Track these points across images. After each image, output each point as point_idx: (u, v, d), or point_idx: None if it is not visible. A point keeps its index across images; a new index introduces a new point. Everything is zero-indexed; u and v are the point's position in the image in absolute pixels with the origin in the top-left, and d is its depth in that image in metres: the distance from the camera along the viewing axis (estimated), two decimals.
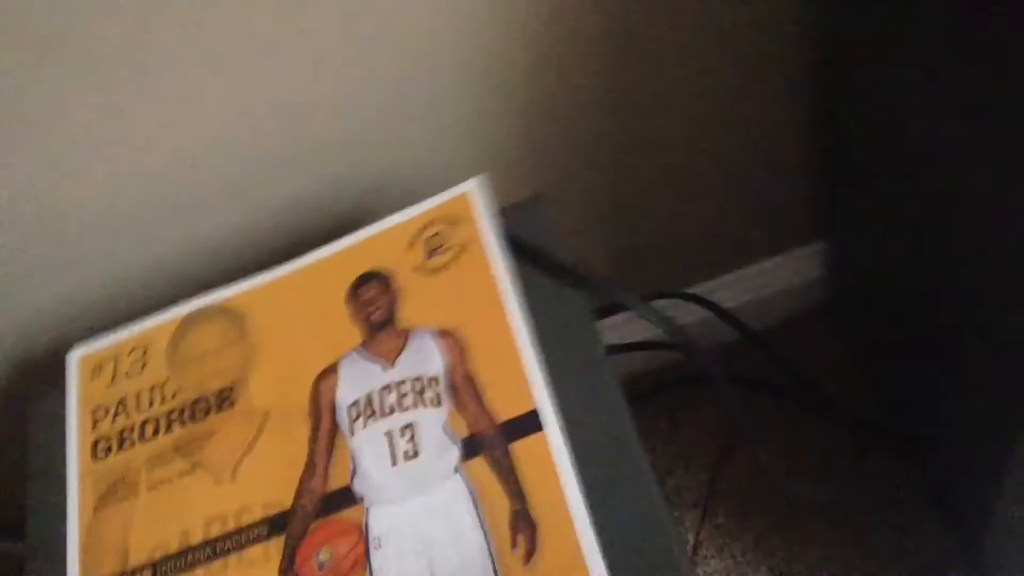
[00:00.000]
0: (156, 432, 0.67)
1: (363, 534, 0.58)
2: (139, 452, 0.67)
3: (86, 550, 0.63)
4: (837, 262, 1.09)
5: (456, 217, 0.70)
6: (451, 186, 0.71)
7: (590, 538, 0.54)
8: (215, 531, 0.62)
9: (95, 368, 0.72)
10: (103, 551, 0.63)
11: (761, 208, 1.06)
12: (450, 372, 0.63)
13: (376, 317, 0.67)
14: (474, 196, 0.70)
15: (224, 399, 0.67)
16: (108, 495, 0.65)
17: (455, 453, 0.60)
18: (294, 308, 0.70)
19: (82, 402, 0.71)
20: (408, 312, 0.67)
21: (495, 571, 0.55)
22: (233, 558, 0.60)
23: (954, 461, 0.96)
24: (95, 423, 0.69)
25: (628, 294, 0.65)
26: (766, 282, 1.14)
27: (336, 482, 0.61)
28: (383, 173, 0.87)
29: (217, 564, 0.60)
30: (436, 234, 0.69)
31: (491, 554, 0.55)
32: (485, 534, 0.56)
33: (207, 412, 0.67)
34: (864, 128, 0.87)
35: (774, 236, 1.10)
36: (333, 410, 0.64)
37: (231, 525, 0.61)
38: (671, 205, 1.02)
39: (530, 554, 0.55)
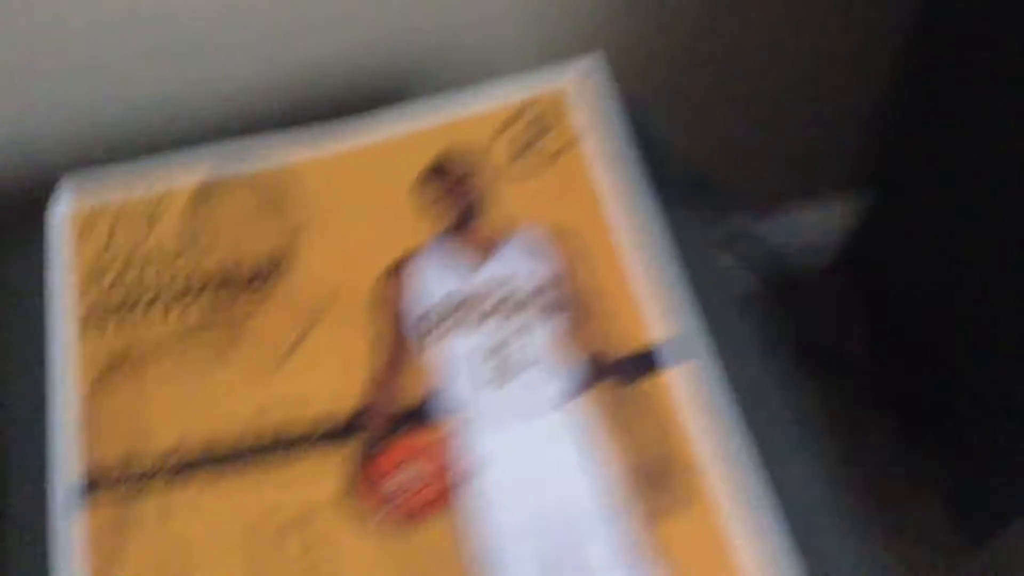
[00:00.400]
0: (168, 310, 0.55)
1: (450, 459, 0.49)
2: (149, 331, 0.55)
3: (81, 432, 0.51)
4: (873, 216, 1.04)
5: (563, 103, 0.60)
6: (548, 63, 0.60)
7: (728, 498, 0.47)
8: (251, 437, 0.51)
9: (86, 223, 0.58)
10: (102, 438, 0.51)
11: (815, 148, 1.00)
12: (558, 286, 0.54)
13: (458, 211, 0.57)
14: (586, 80, 0.60)
15: (260, 283, 0.56)
16: (108, 374, 0.53)
17: (563, 382, 0.51)
18: (351, 189, 0.59)
19: (70, 263, 0.57)
20: (500, 209, 0.57)
21: (610, 525, 0.47)
22: (276, 470, 0.50)
23: (979, 443, 0.94)
24: (88, 290, 0.57)
25: (752, 215, 0.57)
26: (794, 230, 1.10)
27: (411, 396, 0.51)
28: (452, 41, 0.75)
29: (254, 474, 0.50)
30: (538, 120, 0.59)
31: (605, 505, 0.47)
32: (598, 482, 0.48)
33: (237, 296, 0.55)
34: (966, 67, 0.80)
35: (817, 179, 1.05)
36: (405, 313, 0.54)
37: (272, 432, 0.51)
38: (736, 131, 0.94)
39: (655, 513, 0.47)
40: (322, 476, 0.50)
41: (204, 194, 0.59)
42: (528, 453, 0.49)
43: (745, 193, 1.01)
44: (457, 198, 0.57)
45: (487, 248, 0.56)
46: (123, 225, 0.59)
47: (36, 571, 0.48)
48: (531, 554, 0.47)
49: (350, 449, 0.50)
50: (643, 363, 0.51)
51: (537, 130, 0.59)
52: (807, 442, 0.49)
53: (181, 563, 0.48)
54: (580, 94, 0.60)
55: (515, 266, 0.55)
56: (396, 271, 0.55)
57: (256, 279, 0.56)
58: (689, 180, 0.56)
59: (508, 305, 0.54)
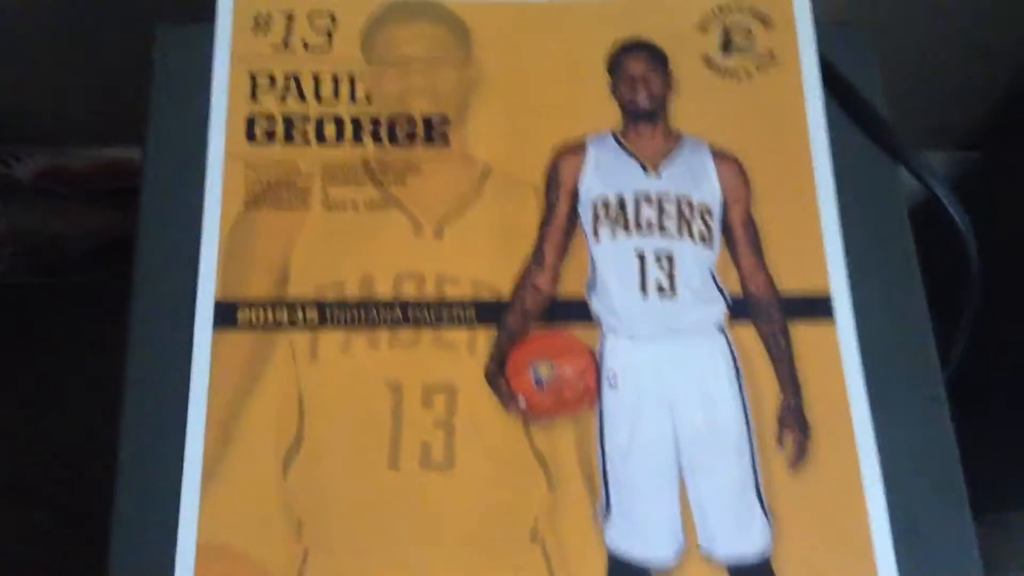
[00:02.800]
0: (340, 137, 0.53)
1: (596, 361, 0.50)
2: (314, 154, 0.53)
3: (228, 256, 0.51)
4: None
5: (770, 12, 0.56)
6: None
7: (872, 458, 0.48)
8: (408, 291, 0.50)
9: (260, 19, 0.55)
10: (252, 263, 0.50)
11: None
12: (728, 207, 0.53)
13: (643, 102, 0.54)
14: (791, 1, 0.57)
15: (435, 130, 0.54)
16: (267, 194, 0.52)
17: (720, 308, 0.51)
18: (538, 48, 0.55)
19: (237, 56, 0.55)
20: (685, 111, 0.54)
21: (754, 464, 0.49)
22: (427, 331, 0.50)
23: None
24: (255, 90, 0.54)
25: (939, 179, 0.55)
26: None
27: (567, 287, 0.51)
28: None
29: (406, 331, 0.50)
30: (741, 24, 0.56)
31: (750, 440, 0.49)
32: (746, 415, 0.49)
33: (412, 138, 0.53)
34: None
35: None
36: (574, 198, 0.53)
37: (429, 291, 0.50)
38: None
39: (797, 459, 0.48)
40: (467, 350, 0.50)
41: (386, 15, 0.56)
42: (675, 371, 0.50)
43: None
44: (649, 85, 0.55)
45: (669, 148, 0.54)
46: (300, 28, 0.55)
47: (175, 385, 0.48)
48: (656, 469, 0.49)
49: (500, 329, 0.50)
50: (805, 307, 0.51)
51: (742, 33, 0.56)
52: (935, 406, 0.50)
53: (320, 403, 0.48)
54: (789, 6, 0.57)
55: (695, 175, 0.53)
56: (574, 150, 0.54)
57: (434, 124, 0.54)
58: (886, 130, 0.55)
59: (681, 216, 0.53)
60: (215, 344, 0.49)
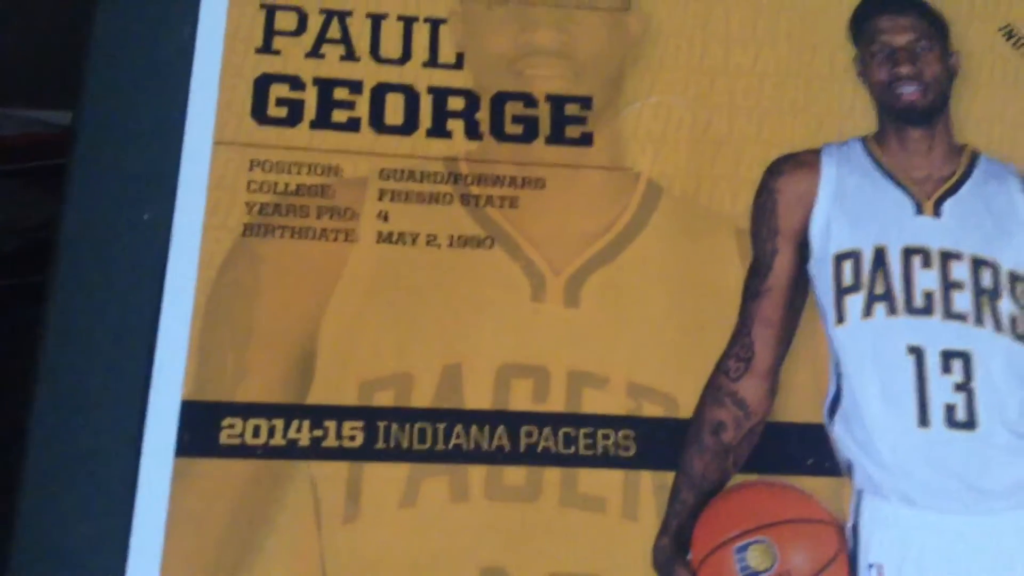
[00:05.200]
0: (412, 122, 0.32)
1: (847, 542, 0.29)
2: (367, 148, 0.31)
3: (209, 321, 0.28)
4: None
5: None
6: None
7: None
8: (520, 397, 0.29)
9: None
10: (249, 336, 0.29)
11: None
12: None
13: (911, 90, 0.33)
14: None
15: (570, 121, 0.32)
16: (283, 212, 0.30)
17: None
18: (724, 14, 0.34)
19: None
20: (978, 113, 0.33)
21: None
22: (553, 475, 0.28)
23: None
24: (270, 35, 0.32)
25: None
26: None
27: (791, 403, 0.30)
28: None
29: (517, 473, 0.28)
30: None
31: None
32: None
33: (532, 132, 0.32)
34: None
35: None
36: (802, 247, 0.31)
37: (555, 399, 0.29)
38: None
39: None
40: (625, 513, 0.28)
41: None
42: (978, 562, 0.29)
43: None
44: (919, 63, 0.33)
45: (953, 171, 0.33)
46: None
47: (103, 558, 0.27)
48: None
49: (679, 476, 0.29)
50: None
51: None
52: None
53: None
54: None
55: (998, 220, 0.32)
56: (799, 167, 0.32)
57: (558, 114, 0.32)
58: None
59: (980, 288, 0.32)
60: (177, 482, 0.27)
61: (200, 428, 0.28)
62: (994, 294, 0.31)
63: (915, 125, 0.33)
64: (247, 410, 0.28)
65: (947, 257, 0.31)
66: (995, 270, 0.31)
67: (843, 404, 0.30)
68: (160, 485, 0.27)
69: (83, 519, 0.27)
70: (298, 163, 0.31)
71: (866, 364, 0.30)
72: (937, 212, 0.32)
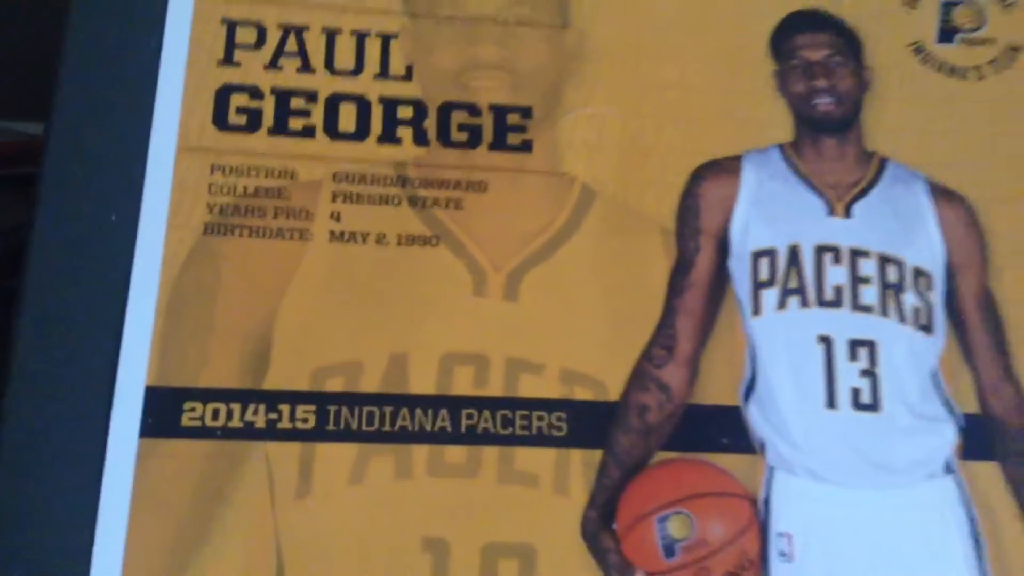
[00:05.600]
0: (363, 129, 0.34)
1: (758, 514, 0.31)
2: (321, 153, 0.34)
3: (172, 313, 0.31)
4: None
5: None
6: None
7: None
8: (462, 383, 0.31)
9: None
10: (210, 327, 0.31)
11: None
12: (956, 275, 0.34)
13: (826, 102, 0.36)
14: None
15: (511, 129, 0.35)
16: (241, 212, 0.33)
17: (949, 434, 0.33)
18: (663, 13, 0.37)
19: None
20: (887, 123, 0.36)
21: None
22: (491, 453, 0.30)
23: None
24: (231, 47, 0.34)
25: None
26: None
27: (710, 389, 0.32)
28: None
29: (457, 452, 0.30)
30: (969, 1, 0.38)
31: None
32: None
33: (475, 139, 0.34)
34: None
35: None
36: (722, 246, 0.34)
37: (494, 385, 0.32)
38: None
39: None
40: (556, 488, 0.30)
41: None
42: (884, 537, 0.32)
43: None
44: (834, 77, 0.36)
45: (864, 177, 0.35)
46: None
47: (69, 535, 0.29)
48: None
49: (606, 454, 0.32)
50: None
51: (970, 16, 0.38)
52: None
53: (312, 570, 0.29)
54: None
55: (904, 222, 0.35)
56: (722, 172, 0.35)
57: (500, 123, 0.35)
58: None
59: (886, 283, 0.34)
60: (142, 463, 0.29)
61: (163, 412, 0.30)
62: (899, 288, 0.34)
63: (829, 134, 0.36)
64: (207, 395, 0.30)
65: (856, 254, 0.34)
66: (900, 266, 0.34)
67: (757, 388, 0.33)
68: (126, 465, 0.29)
69: (53, 496, 0.29)
70: (256, 167, 0.33)
71: (779, 352, 0.33)
72: (848, 213, 0.35)
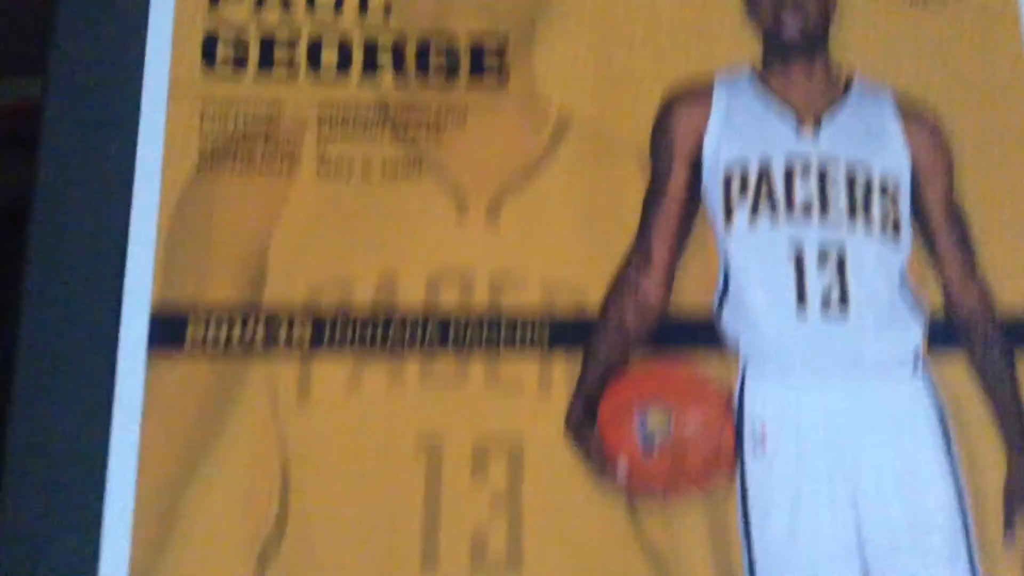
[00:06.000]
0: (345, 66, 0.36)
1: (732, 409, 0.33)
2: (306, 91, 0.36)
3: (172, 240, 0.33)
4: None
5: None
6: None
7: None
8: (449, 298, 0.33)
9: None
10: (208, 251, 0.33)
11: None
12: (922, 186, 0.36)
13: (794, 26, 0.37)
14: None
15: (488, 61, 0.36)
16: (233, 150, 0.34)
17: (915, 333, 0.34)
18: None
19: None
20: (854, 43, 0.37)
21: (973, 568, 0.32)
22: (478, 361, 0.32)
23: None
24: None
25: None
26: None
27: (686, 296, 0.34)
28: None
29: (447, 360, 0.32)
30: None
31: (966, 533, 0.32)
32: (959, 494, 0.32)
33: (453, 72, 0.36)
34: None
35: None
36: (695, 165, 0.36)
37: (479, 299, 0.33)
38: None
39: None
40: (541, 389, 0.32)
41: None
42: (852, 430, 0.33)
43: None
44: (798, 7, 0.38)
45: (833, 95, 0.37)
46: None
47: (85, 444, 0.31)
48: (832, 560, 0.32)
49: (587, 358, 0.33)
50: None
51: None
52: None
53: (313, 469, 0.31)
54: None
55: (872, 136, 0.36)
56: (694, 95, 0.37)
57: (483, 55, 0.36)
58: None
59: (854, 195, 0.36)
60: (150, 376, 0.32)
61: (168, 329, 0.32)
62: (866, 200, 0.36)
63: (798, 54, 0.37)
64: (209, 312, 0.33)
65: (824, 168, 0.36)
66: (868, 176, 0.36)
67: (730, 296, 0.34)
68: (135, 378, 0.31)
69: (68, 411, 0.31)
70: (245, 104, 0.35)
71: (751, 262, 0.35)
72: (817, 131, 0.36)
